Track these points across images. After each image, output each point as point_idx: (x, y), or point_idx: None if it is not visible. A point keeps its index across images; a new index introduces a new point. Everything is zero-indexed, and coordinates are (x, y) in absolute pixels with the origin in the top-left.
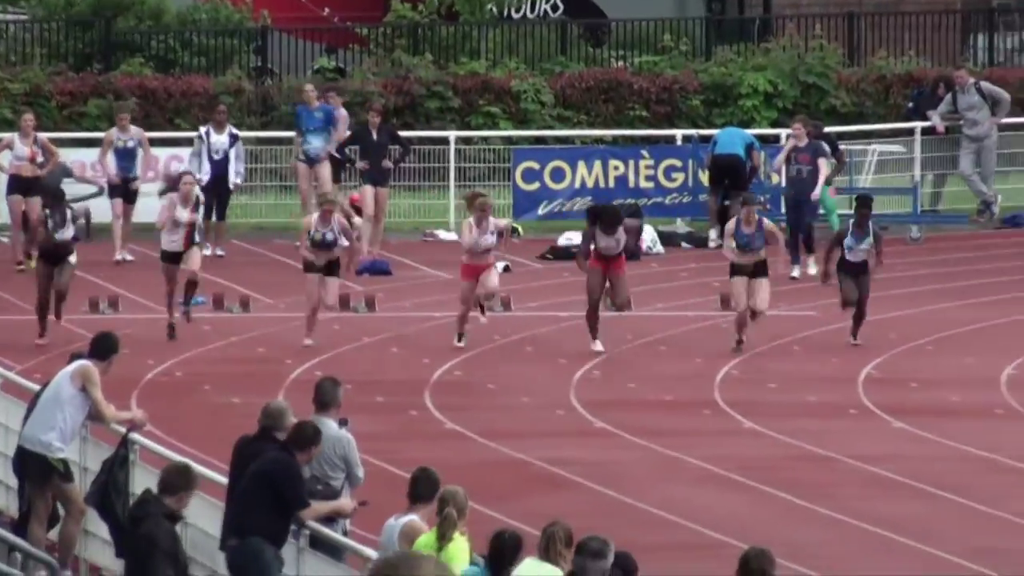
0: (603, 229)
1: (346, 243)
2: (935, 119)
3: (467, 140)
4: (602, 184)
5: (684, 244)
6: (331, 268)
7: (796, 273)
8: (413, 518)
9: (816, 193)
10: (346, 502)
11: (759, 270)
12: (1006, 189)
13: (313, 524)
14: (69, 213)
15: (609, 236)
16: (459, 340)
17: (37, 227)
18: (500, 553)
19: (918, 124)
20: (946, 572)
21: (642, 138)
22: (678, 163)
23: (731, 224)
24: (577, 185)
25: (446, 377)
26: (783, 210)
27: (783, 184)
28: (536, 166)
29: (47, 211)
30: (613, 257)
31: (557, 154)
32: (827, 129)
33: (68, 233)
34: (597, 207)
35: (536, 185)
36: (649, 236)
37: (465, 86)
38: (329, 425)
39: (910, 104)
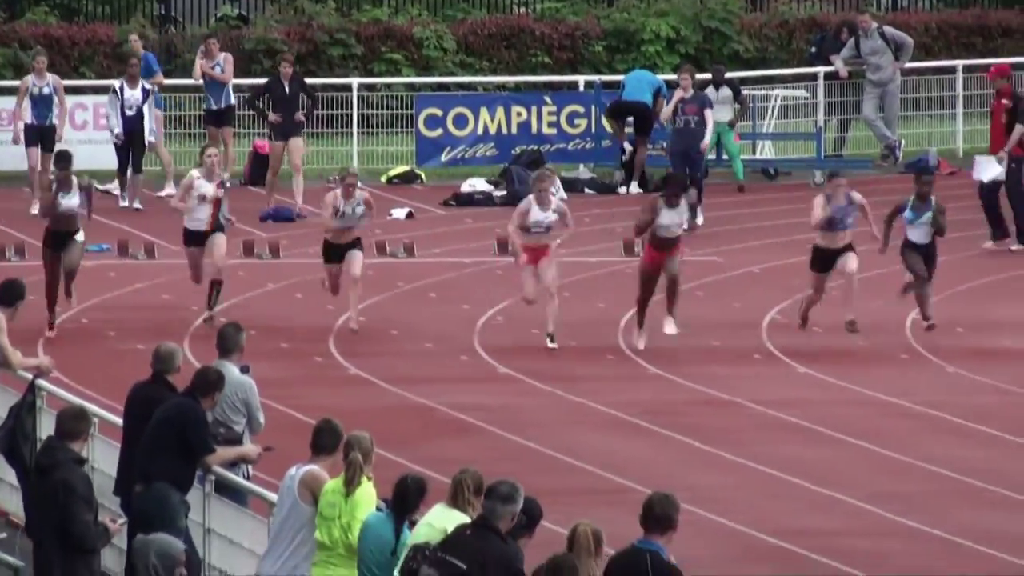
0: (667, 200)
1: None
2: (838, 64)
3: (370, 87)
4: (505, 131)
5: (587, 190)
6: (355, 243)
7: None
8: (313, 467)
9: (705, 143)
10: (251, 448)
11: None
12: (909, 134)
13: (218, 469)
14: (75, 180)
15: (673, 209)
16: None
17: (44, 192)
18: (403, 497)
19: (821, 69)
20: (849, 516)
21: (545, 84)
22: (580, 109)
23: (820, 199)
24: (480, 132)
25: (350, 323)
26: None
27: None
28: (439, 113)
29: (53, 175)
30: (672, 245)
31: (460, 101)
32: (729, 75)
33: (74, 200)
34: (667, 175)
35: (439, 132)
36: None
37: (368, 33)
38: (231, 370)
39: (813, 49)
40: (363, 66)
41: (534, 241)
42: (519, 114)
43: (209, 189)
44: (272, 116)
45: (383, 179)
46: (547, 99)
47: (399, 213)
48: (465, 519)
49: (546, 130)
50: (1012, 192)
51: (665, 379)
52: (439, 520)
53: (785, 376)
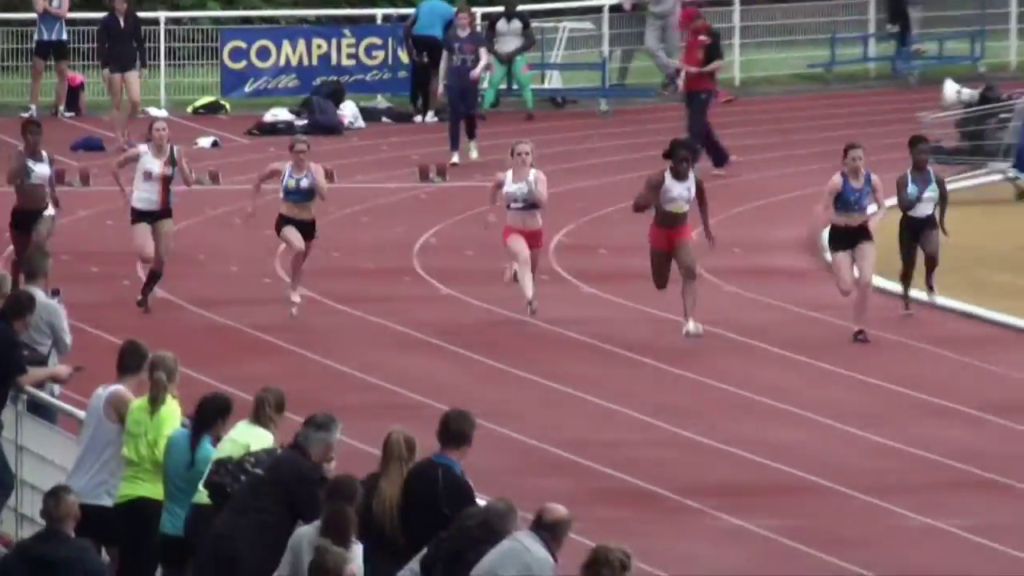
0: (674, 169)
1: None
2: None
3: (176, 20)
4: (306, 63)
5: (384, 119)
6: (310, 231)
7: (456, 159)
8: (119, 387)
9: (475, 73)
10: (61, 368)
11: (862, 234)
12: None
13: (30, 389)
14: (44, 153)
15: (681, 181)
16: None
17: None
18: (203, 414)
19: (606, 2)
20: (632, 428)
21: (344, 18)
22: (378, 41)
23: (836, 179)
24: (282, 63)
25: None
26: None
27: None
28: (243, 45)
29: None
30: (679, 223)
31: (263, 34)
32: (520, 7)
33: (45, 170)
34: (673, 142)
35: (243, 64)
36: (351, 111)
37: None
38: (38, 294)
39: None
40: (170, 0)
41: (520, 223)
42: (319, 46)
43: (156, 166)
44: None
45: (189, 109)
46: (346, 32)
47: (205, 142)
48: (267, 435)
49: (345, 62)
50: (695, 120)
51: (458, 300)
52: (242, 436)
53: (572, 296)
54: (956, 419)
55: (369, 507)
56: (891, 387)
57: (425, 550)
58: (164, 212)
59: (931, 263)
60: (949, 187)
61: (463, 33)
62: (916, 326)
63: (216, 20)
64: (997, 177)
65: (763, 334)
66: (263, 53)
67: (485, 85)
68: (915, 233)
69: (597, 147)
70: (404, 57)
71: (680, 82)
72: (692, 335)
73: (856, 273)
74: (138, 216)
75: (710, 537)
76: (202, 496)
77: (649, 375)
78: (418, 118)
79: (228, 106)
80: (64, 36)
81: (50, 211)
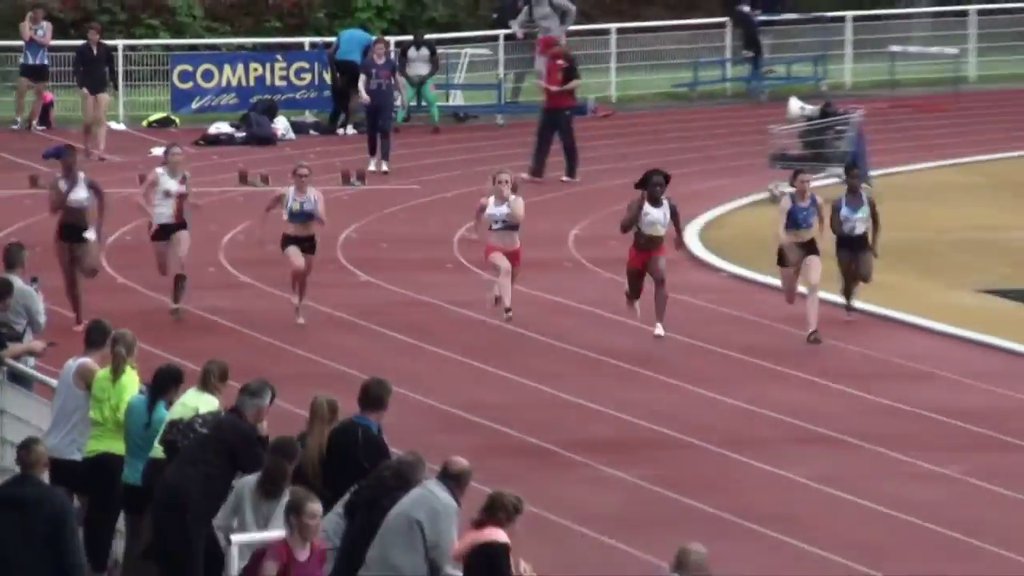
0: (650, 196)
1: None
2: (515, 27)
3: (132, 47)
4: (244, 83)
5: (311, 131)
6: (310, 246)
7: (373, 167)
8: (86, 360)
9: (398, 102)
10: (37, 343)
11: (811, 248)
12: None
13: (10, 361)
14: (82, 175)
15: (657, 207)
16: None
17: (50, 191)
18: (158, 382)
19: (501, 32)
20: (519, 391)
21: (277, 45)
22: (306, 65)
23: (785, 202)
24: (224, 84)
25: (122, 240)
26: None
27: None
28: (190, 68)
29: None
30: (655, 246)
31: (207, 59)
32: (427, 36)
33: (82, 194)
34: (647, 172)
35: (190, 84)
36: (283, 125)
37: (131, 3)
38: (16, 281)
39: (495, 15)
40: (127, 30)
41: (501, 243)
42: (255, 69)
43: (173, 185)
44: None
45: (144, 123)
46: (278, 57)
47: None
48: (213, 400)
49: (278, 82)
50: (566, 134)
51: (375, 285)
52: (191, 400)
53: (473, 282)
54: (798, 383)
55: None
56: (746, 358)
57: (347, 497)
58: (179, 225)
59: (863, 280)
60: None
61: (379, 60)
62: (768, 308)
63: (166, 47)
64: (835, 180)
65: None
66: (207, 75)
67: (399, 104)
68: (851, 252)
69: (495, 155)
70: (328, 78)
71: (543, 100)
72: (658, 336)
73: (800, 286)
74: (156, 231)
75: (590, 484)
76: (158, 451)
77: (536, 347)
78: (340, 131)
79: (178, 120)
80: (46, 61)
81: (91, 234)
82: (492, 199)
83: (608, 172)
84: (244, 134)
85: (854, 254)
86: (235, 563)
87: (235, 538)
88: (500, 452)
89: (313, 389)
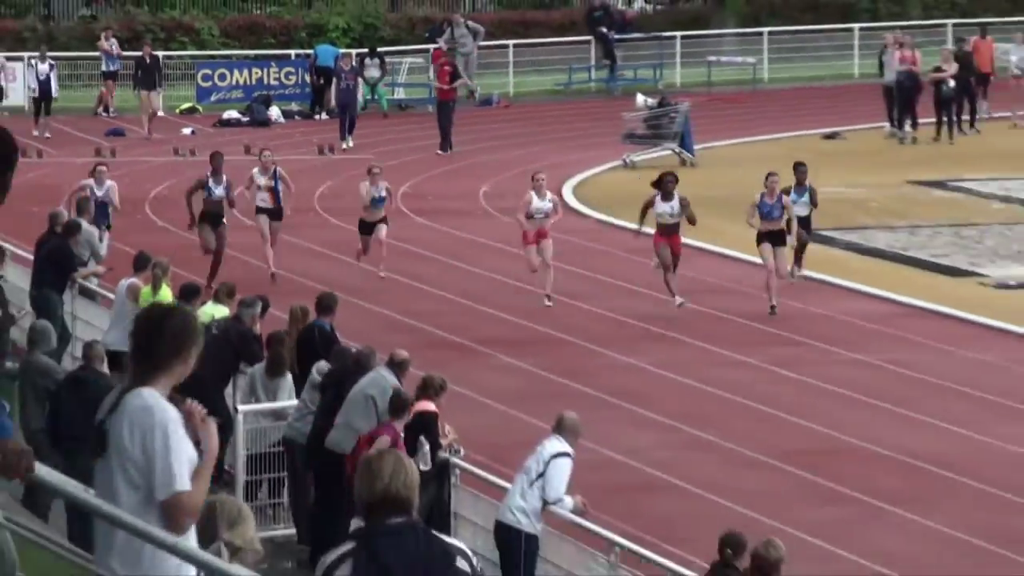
0: (662, 194)
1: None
2: (441, 43)
3: (169, 58)
4: (248, 83)
5: (296, 117)
6: (383, 221)
7: (344, 145)
8: (134, 279)
9: (359, 99)
10: (100, 268)
11: (780, 238)
12: (483, 83)
13: (81, 280)
14: (225, 175)
15: (667, 201)
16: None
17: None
18: (184, 294)
19: (431, 46)
20: (442, 302)
21: (272, 56)
22: (293, 70)
23: (756, 198)
24: (233, 83)
25: (160, 194)
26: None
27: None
28: (209, 72)
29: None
30: (672, 231)
31: (221, 64)
32: (379, 49)
33: (221, 191)
34: (660, 175)
35: (209, 83)
36: (276, 112)
37: (168, 24)
38: (83, 223)
39: (427, 34)
40: (164, 45)
41: (536, 225)
42: (256, 73)
43: (262, 180)
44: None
45: (177, 111)
46: (273, 64)
47: (186, 131)
48: (224, 309)
49: (272, 82)
50: (446, 120)
51: (339, 226)
52: (208, 309)
53: (410, 224)
54: (646, 297)
55: None
56: (607, 279)
57: (318, 377)
58: (276, 212)
59: (802, 249)
60: (639, 158)
61: (346, 67)
62: (621, 244)
63: (193, 57)
64: (668, 152)
65: (458, 254)
66: (222, 77)
67: (360, 98)
68: (801, 226)
69: (426, 133)
70: (308, 80)
71: (436, 93)
72: (680, 305)
73: (773, 263)
74: (258, 210)
75: (495, 370)
76: None
77: (458, 272)
78: (317, 117)
79: (200, 109)
80: (118, 66)
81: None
82: (535, 195)
83: (506, 146)
84: (248, 119)
85: (800, 230)
86: (241, 427)
87: (242, 408)
88: (430, 346)
89: (292, 299)
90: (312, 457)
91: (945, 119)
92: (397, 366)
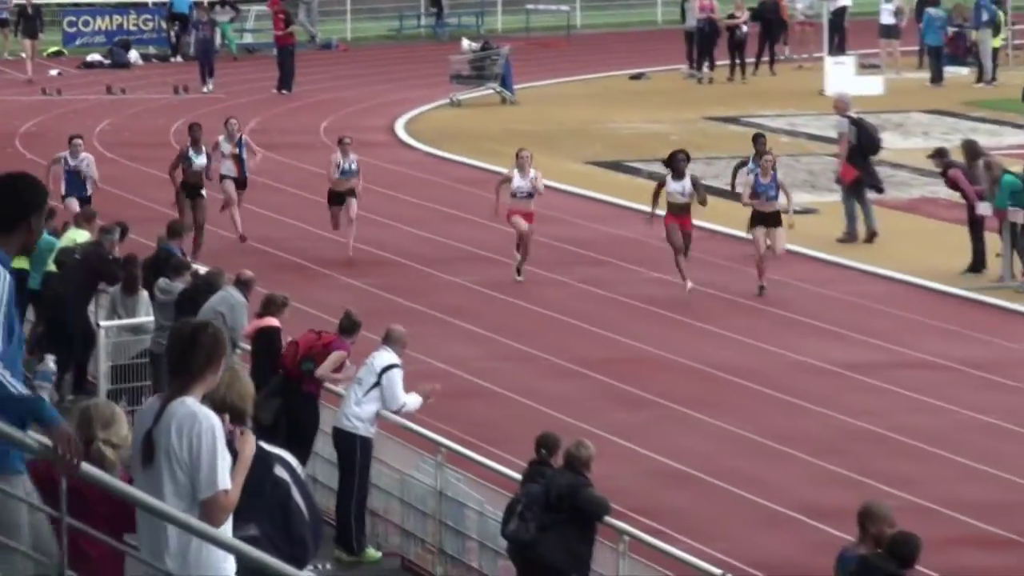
0: (673, 174)
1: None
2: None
3: (36, 6)
4: (110, 28)
5: (153, 60)
6: (351, 192)
7: (205, 89)
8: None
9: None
10: None
11: (775, 220)
12: (324, 29)
13: None
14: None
15: (678, 181)
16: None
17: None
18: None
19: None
20: (287, 228)
21: (131, 3)
22: (150, 17)
23: (749, 177)
24: (96, 28)
25: (29, 129)
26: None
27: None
28: (75, 19)
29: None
30: (683, 212)
31: (85, 12)
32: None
33: (203, 160)
34: (671, 153)
35: (75, 29)
36: (135, 55)
37: None
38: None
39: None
40: None
41: (521, 207)
42: (117, 20)
43: (227, 148)
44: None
45: (45, 54)
46: (132, 12)
47: (54, 72)
48: (86, 234)
49: (131, 28)
50: (287, 62)
51: None
52: (72, 235)
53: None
54: (470, 223)
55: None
56: (435, 206)
57: (158, 293)
58: (242, 181)
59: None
60: (464, 97)
61: (203, 18)
62: (446, 175)
63: (60, 5)
64: (490, 91)
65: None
66: (86, 23)
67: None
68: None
69: (270, 74)
70: (164, 26)
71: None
72: (691, 290)
73: (766, 246)
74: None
75: (334, 290)
76: (51, 267)
77: (297, 199)
78: (172, 60)
79: (67, 52)
80: (4, 15)
81: (204, 192)
82: (517, 172)
83: (345, 86)
84: (109, 61)
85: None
86: (103, 341)
87: (103, 323)
88: (275, 268)
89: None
90: None
91: (739, 61)
92: (243, 285)
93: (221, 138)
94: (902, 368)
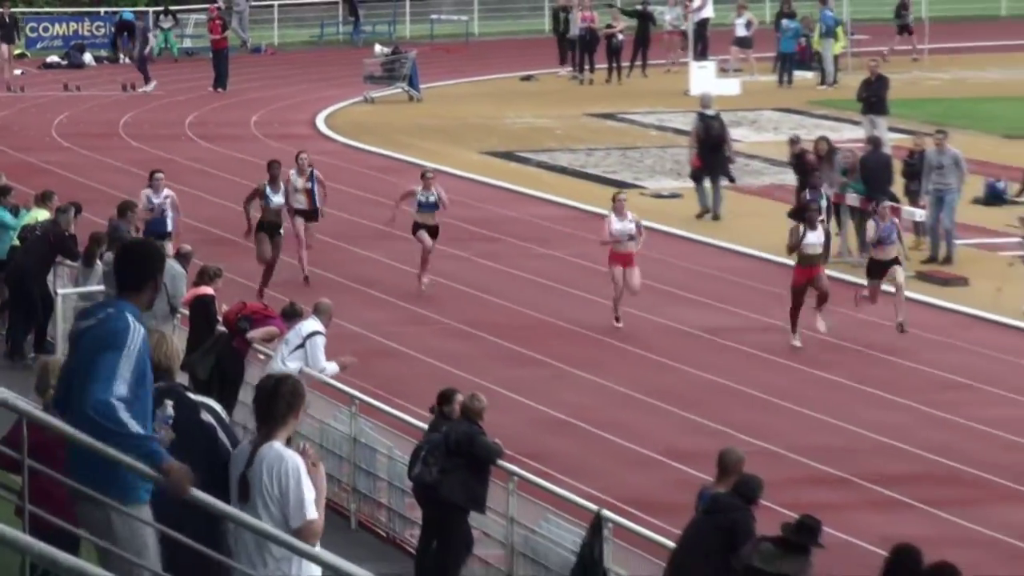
0: (809, 224)
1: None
2: (220, 2)
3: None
4: (67, 33)
5: (105, 62)
6: (434, 231)
7: (147, 89)
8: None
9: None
10: None
11: (894, 261)
12: (255, 35)
13: None
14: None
15: (813, 231)
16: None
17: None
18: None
19: (214, 5)
20: (207, 206)
21: (85, 13)
22: (102, 24)
23: (871, 223)
24: (55, 34)
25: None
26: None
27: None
28: (36, 25)
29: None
30: (815, 262)
31: (44, 20)
32: (171, 8)
33: (280, 199)
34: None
35: (36, 34)
36: (89, 58)
37: None
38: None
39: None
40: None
41: (623, 249)
42: (73, 26)
43: (299, 182)
44: None
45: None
46: (86, 19)
47: (18, 72)
48: (45, 212)
49: (85, 33)
50: (221, 64)
51: (142, 150)
52: (34, 213)
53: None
54: (381, 205)
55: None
56: (349, 190)
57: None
58: (312, 214)
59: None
60: (377, 95)
61: (145, 24)
62: (357, 162)
63: (23, 13)
64: (399, 90)
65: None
66: (45, 29)
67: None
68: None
69: (207, 74)
70: (116, 31)
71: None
72: (822, 331)
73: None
74: (295, 212)
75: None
76: (16, 242)
77: (229, 184)
78: (120, 62)
79: (29, 54)
80: None
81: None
82: (614, 216)
83: (272, 85)
84: (66, 62)
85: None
86: (60, 306)
87: (61, 291)
88: (211, 243)
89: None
90: None
91: (615, 65)
92: (183, 258)
93: (292, 172)
94: (754, 332)
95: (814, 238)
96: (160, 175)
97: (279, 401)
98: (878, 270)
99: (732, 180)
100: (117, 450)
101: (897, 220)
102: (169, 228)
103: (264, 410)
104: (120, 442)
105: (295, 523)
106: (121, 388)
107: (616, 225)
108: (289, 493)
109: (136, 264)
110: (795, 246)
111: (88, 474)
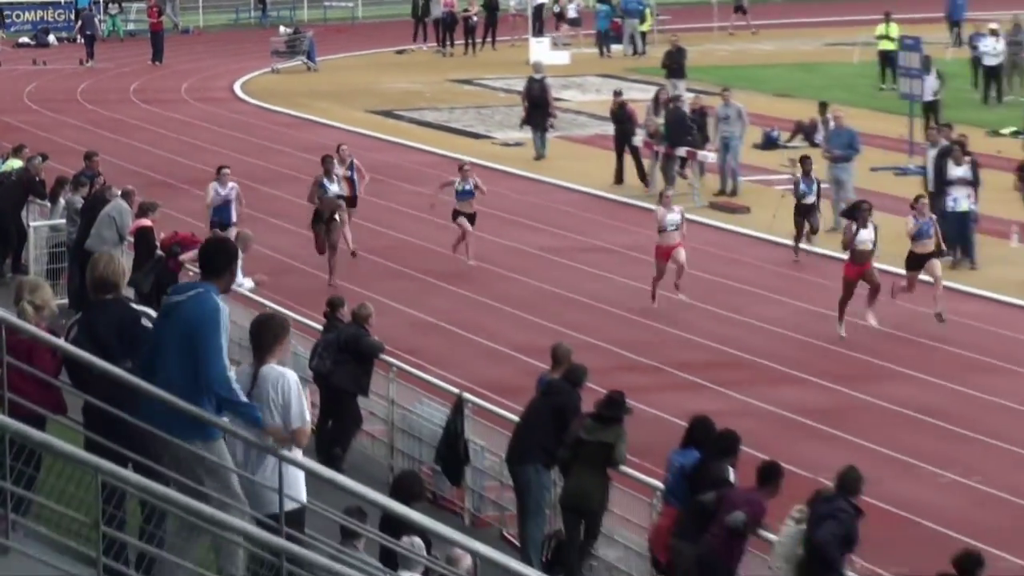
0: (861, 223)
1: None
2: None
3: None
4: (36, 19)
5: (66, 41)
6: (472, 218)
7: (90, 64)
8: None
9: (98, 32)
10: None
11: (934, 255)
12: (184, 19)
13: None
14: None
15: (865, 229)
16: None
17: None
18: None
19: None
20: (122, 173)
21: (50, 2)
22: (63, 11)
23: (910, 218)
24: (27, 19)
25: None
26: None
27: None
28: (9, 12)
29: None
30: (866, 258)
31: (17, 7)
32: None
33: (336, 188)
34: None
35: (10, 20)
36: (53, 39)
37: None
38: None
39: None
40: None
41: (669, 241)
42: (39, 13)
43: (340, 171)
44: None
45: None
46: (51, 7)
47: None
48: (18, 163)
49: (50, 19)
50: (158, 43)
51: (91, 111)
52: (10, 162)
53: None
54: (288, 155)
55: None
56: (258, 140)
57: (62, 202)
58: (352, 200)
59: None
60: (282, 66)
61: (96, 12)
62: (268, 123)
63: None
64: (300, 63)
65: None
66: (17, 15)
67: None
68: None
69: (149, 52)
70: (74, 17)
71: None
72: (874, 326)
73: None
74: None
75: (191, 200)
76: None
77: (164, 139)
78: (78, 40)
79: (4, 35)
80: None
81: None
82: (662, 208)
83: (199, 59)
84: (35, 43)
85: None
86: (32, 236)
87: (33, 224)
88: (151, 185)
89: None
90: (77, 251)
91: (471, 41)
92: (127, 196)
93: (335, 162)
94: (583, 251)
95: (866, 235)
96: (227, 170)
97: (267, 333)
98: (917, 263)
99: (545, 131)
100: (230, 415)
101: (934, 216)
102: (234, 219)
103: (256, 341)
104: (233, 408)
105: (296, 424)
106: (226, 360)
107: (664, 216)
108: (292, 402)
109: (219, 255)
110: (849, 243)
111: (174, 423)
